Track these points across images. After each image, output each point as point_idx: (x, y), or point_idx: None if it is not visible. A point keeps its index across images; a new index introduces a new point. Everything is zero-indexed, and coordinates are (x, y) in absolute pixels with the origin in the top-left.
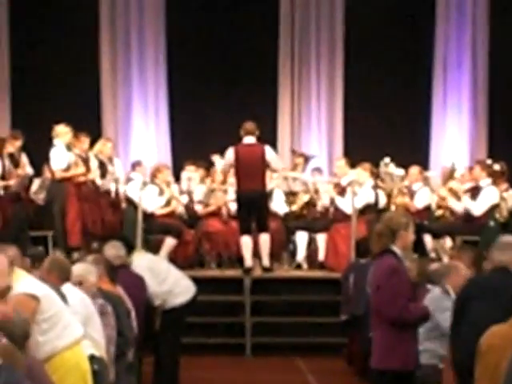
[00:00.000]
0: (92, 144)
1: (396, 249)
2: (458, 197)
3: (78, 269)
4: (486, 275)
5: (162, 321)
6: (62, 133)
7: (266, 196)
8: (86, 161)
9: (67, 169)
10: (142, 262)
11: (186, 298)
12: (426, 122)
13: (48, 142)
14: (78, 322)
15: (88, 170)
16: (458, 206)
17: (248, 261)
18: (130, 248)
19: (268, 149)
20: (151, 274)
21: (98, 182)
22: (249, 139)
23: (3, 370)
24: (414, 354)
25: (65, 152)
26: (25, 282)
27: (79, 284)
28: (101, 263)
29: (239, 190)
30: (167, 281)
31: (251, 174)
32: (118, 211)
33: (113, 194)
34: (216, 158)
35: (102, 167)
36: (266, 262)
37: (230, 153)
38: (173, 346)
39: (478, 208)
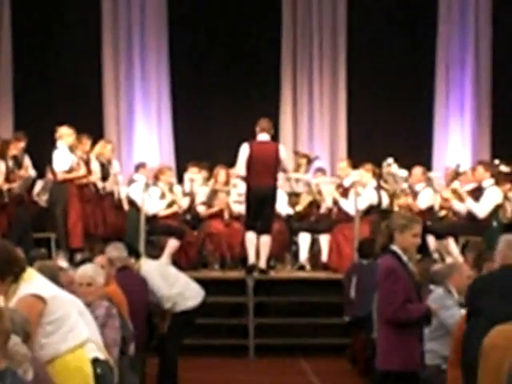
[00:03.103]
0: (93, 146)
1: (396, 249)
2: (461, 198)
3: (87, 270)
4: (496, 272)
5: (171, 323)
6: (66, 134)
7: (276, 194)
8: (87, 163)
9: (69, 171)
10: (152, 266)
11: (197, 301)
12: (429, 123)
13: (50, 144)
14: (84, 325)
15: (89, 172)
16: (462, 207)
17: (252, 258)
18: (137, 254)
19: (282, 148)
20: (161, 278)
21: (99, 184)
22: (263, 136)
23: (9, 375)
24: (417, 355)
25: (67, 154)
26: (34, 283)
27: (88, 285)
28: (107, 265)
29: (251, 186)
30: (177, 284)
31: (264, 171)
32: (121, 213)
33: (116, 196)
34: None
35: (103, 169)
36: (262, 263)
37: (246, 148)
38: (178, 348)
39: (481, 210)
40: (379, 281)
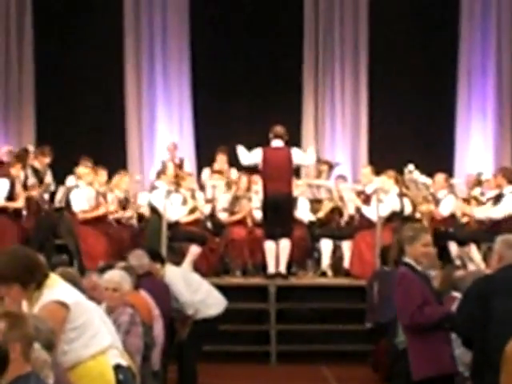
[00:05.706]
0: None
1: (409, 260)
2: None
3: (114, 275)
4: (506, 272)
5: (191, 330)
6: (84, 174)
7: (292, 199)
8: (104, 195)
9: (89, 209)
10: (177, 272)
11: (219, 310)
12: (451, 129)
13: (71, 154)
14: (106, 331)
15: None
16: (481, 215)
17: (271, 267)
18: (162, 260)
19: (294, 151)
20: (185, 284)
21: (118, 214)
22: (277, 143)
23: (32, 378)
24: (446, 358)
25: (86, 193)
26: (57, 289)
27: (114, 290)
28: (131, 272)
29: (266, 193)
30: (200, 291)
31: (278, 176)
32: (140, 243)
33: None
34: (240, 149)
35: (122, 200)
36: (282, 268)
37: (259, 153)
38: (197, 356)
39: (496, 212)
40: (394, 291)
